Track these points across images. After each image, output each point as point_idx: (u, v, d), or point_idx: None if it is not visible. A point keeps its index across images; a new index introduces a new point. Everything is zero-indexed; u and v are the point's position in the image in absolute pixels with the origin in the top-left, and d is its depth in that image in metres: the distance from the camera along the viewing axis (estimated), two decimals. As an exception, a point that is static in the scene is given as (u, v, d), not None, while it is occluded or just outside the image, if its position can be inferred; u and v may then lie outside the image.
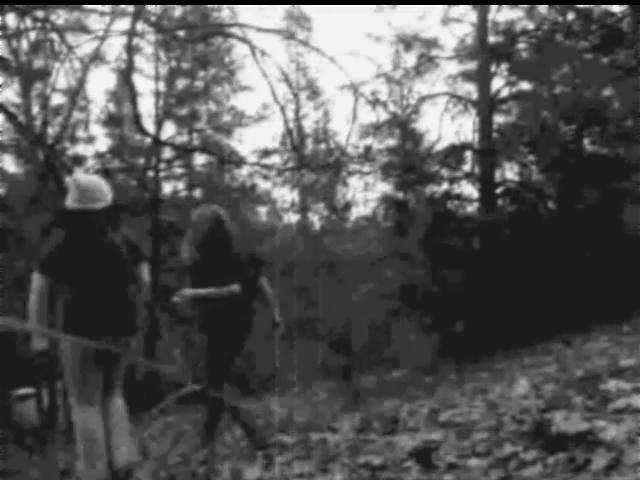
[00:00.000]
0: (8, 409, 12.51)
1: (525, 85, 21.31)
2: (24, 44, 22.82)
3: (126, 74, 19.39)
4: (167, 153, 27.03)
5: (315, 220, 32.78)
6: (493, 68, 21.27)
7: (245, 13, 67.13)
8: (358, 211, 28.67)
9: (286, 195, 31.87)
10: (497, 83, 21.63)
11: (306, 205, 32.09)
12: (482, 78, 21.13)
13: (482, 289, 17.84)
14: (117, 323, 5.29)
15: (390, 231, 23.46)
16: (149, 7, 18.83)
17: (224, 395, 6.22)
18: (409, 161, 21.87)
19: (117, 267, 5.40)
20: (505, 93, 21.76)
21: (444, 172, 20.87)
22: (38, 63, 23.68)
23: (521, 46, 21.21)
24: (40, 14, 18.77)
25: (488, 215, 19.28)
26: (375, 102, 23.24)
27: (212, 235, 6.32)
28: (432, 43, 24.02)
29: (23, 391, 12.98)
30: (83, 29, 20.69)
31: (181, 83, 27.36)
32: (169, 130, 27.59)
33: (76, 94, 20.56)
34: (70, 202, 5.26)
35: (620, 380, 5.57)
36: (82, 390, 5.19)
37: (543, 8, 20.45)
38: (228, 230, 6.40)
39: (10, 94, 23.54)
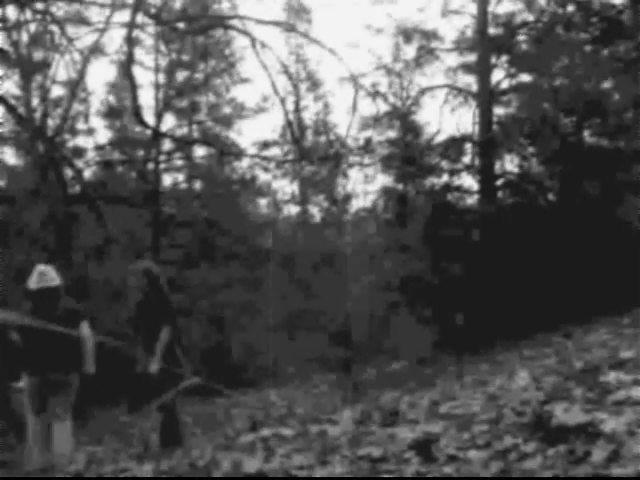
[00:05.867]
0: (8, 400, 12.51)
1: (525, 77, 21.30)
2: (24, 36, 22.72)
3: (126, 66, 19.40)
4: (167, 145, 27.02)
5: (315, 212, 32.80)
6: (493, 60, 21.26)
7: (245, 5, 66.92)
8: (358, 203, 28.68)
9: (286, 187, 31.89)
10: (497, 75, 21.66)
11: (306, 197, 32.09)
12: (482, 70, 21.11)
13: (482, 281, 17.86)
14: (52, 364, 7.68)
15: (390, 223, 23.48)
16: (149, -1, 18.83)
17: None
18: (409, 153, 21.87)
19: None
20: (505, 85, 21.76)
21: (444, 164, 20.89)
22: (38, 55, 23.62)
23: (521, 38, 21.21)
24: (40, 6, 18.78)
25: (488, 207, 19.30)
26: (375, 94, 23.22)
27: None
28: (432, 35, 23.95)
29: (23, 383, 12.97)
30: (83, 21, 20.65)
31: (181, 75, 27.31)
32: (169, 122, 27.61)
33: (76, 86, 20.55)
34: (32, 285, 7.62)
35: (620, 372, 5.58)
36: (32, 406, 7.89)
37: (543, 0, 20.43)
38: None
39: (10, 86, 23.52)
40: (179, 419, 7.93)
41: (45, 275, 7.70)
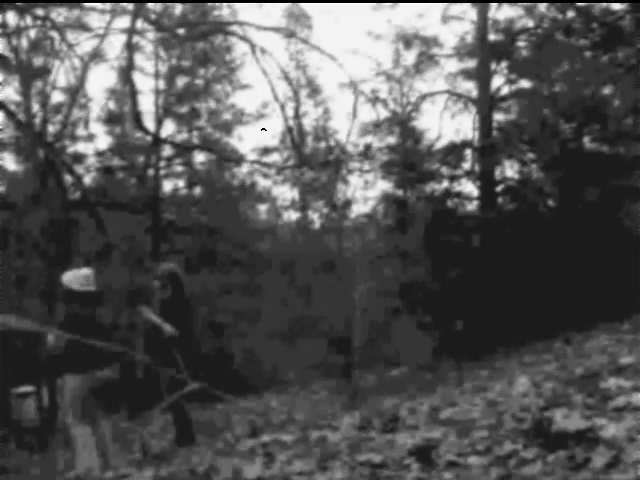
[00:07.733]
0: (8, 407, 12.50)
1: (525, 83, 21.31)
2: (24, 42, 22.77)
3: (126, 72, 19.39)
4: (167, 151, 27.04)
5: (315, 218, 32.81)
6: (493, 66, 21.27)
7: (245, 11, 66.92)
8: (358, 209, 28.66)
9: (286, 193, 31.97)
10: (497, 81, 21.69)
11: (306, 203, 32.10)
12: (482, 76, 21.12)
13: (482, 287, 17.84)
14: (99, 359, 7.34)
15: (390, 229, 23.48)
16: (149, 5, 18.81)
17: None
18: (409, 159, 21.88)
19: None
20: (505, 91, 21.78)
21: (444, 170, 20.89)
22: (38, 61, 23.65)
23: (521, 44, 21.22)
24: (40, 12, 18.77)
25: (488, 213, 19.30)
26: (375, 100, 23.23)
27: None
28: (432, 41, 24.01)
29: (23, 389, 12.97)
30: (83, 27, 20.64)
31: (181, 81, 27.33)
32: (169, 128, 27.60)
33: (76, 92, 20.54)
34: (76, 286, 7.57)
35: (620, 378, 5.58)
36: (75, 409, 7.43)
37: (543, 6, 20.42)
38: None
39: (10, 92, 23.55)
40: (189, 420, 8.05)
41: (89, 279, 7.72)
